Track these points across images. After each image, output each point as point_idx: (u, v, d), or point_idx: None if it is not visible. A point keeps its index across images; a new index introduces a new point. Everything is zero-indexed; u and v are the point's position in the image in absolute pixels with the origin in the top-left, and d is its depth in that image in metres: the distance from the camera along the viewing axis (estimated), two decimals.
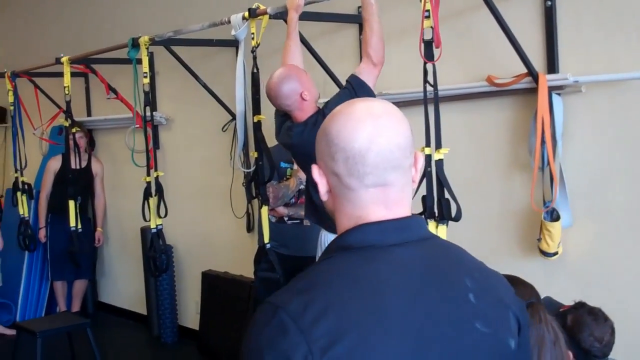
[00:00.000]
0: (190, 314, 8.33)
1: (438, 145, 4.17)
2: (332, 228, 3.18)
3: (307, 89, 4.51)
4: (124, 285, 9.55)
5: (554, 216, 4.73)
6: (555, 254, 4.78)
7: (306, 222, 5.78)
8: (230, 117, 7.15)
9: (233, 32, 5.30)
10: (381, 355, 1.55)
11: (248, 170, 6.27)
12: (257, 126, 5.24)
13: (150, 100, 6.48)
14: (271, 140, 5.24)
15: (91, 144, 9.34)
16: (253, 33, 5.15)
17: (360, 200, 1.74)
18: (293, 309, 1.58)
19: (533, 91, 4.80)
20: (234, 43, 6.49)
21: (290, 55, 4.77)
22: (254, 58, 5.13)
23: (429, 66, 4.19)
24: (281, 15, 5.06)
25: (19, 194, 8.63)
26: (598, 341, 3.04)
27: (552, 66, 4.82)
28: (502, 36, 4.70)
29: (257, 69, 5.17)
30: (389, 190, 1.73)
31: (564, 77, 4.67)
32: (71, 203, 7.58)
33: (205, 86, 7.19)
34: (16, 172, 8.65)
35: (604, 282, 4.72)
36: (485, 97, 5.22)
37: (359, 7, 5.43)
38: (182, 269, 8.40)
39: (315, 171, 1.79)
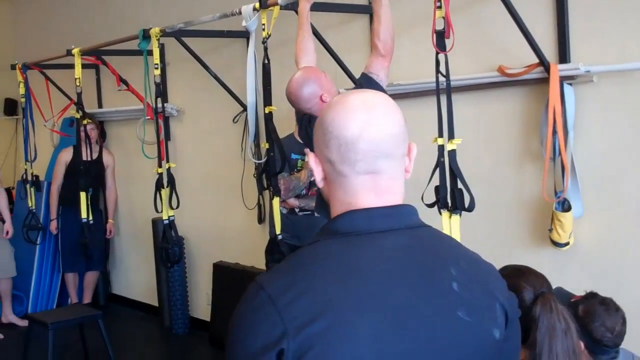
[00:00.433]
0: (201, 305, 8.35)
1: (451, 136, 4.16)
2: None
3: (326, 90, 4.48)
4: (135, 276, 9.57)
5: (565, 206, 4.73)
6: (567, 244, 4.78)
7: (317, 214, 5.78)
8: (241, 109, 7.15)
9: (244, 23, 5.30)
10: (355, 336, 1.60)
11: (259, 162, 6.28)
12: (269, 117, 5.23)
13: (161, 91, 6.47)
14: (282, 132, 5.24)
15: (102, 136, 9.38)
16: (264, 24, 5.14)
17: (352, 187, 1.78)
18: (274, 289, 1.66)
19: (544, 81, 4.79)
20: (244, 34, 6.47)
21: (303, 45, 4.75)
22: (265, 49, 5.11)
23: (441, 56, 4.18)
24: (292, 6, 5.04)
25: (27, 186, 8.65)
26: (609, 331, 3.04)
27: (563, 56, 4.81)
28: (514, 26, 4.69)
29: (268, 60, 5.16)
30: (380, 178, 1.77)
31: (576, 67, 4.67)
32: (82, 195, 7.58)
33: (216, 77, 7.19)
34: (25, 164, 8.67)
35: (615, 272, 4.71)
36: (497, 87, 5.22)
37: None
38: (193, 260, 8.42)
39: (312, 159, 1.84)
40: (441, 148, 4.17)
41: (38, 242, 8.95)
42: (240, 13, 5.36)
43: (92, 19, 9.60)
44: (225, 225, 7.95)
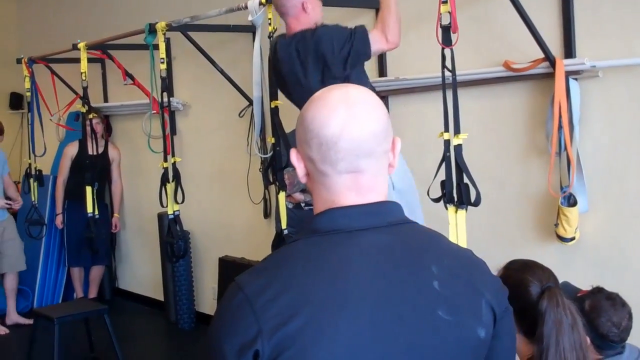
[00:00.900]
0: (207, 300, 8.35)
1: (457, 131, 4.17)
2: None
3: (312, 2, 4.51)
4: (141, 271, 9.58)
5: (571, 201, 4.73)
6: (573, 239, 4.78)
7: None
8: (247, 103, 7.15)
9: (250, 18, 5.31)
10: (331, 336, 1.59)
11: (265, 156, 6.28)
12: (275, 112, 5.24)
13: (167, 86, 6.48)
14: (288, 126, 5.24)
15: (108, 130, 9.38)
16: (270, 18, 5.16)
17: (334, 186, 1.76)
18: (251, 290, 1.66)
19: (550, 76, 4.79)
20: (250, 28, 6.50)
21: None
22: (271, 43, 5.12)
23: (447, 51, 4.19)
24: None
25: (31, 180, 8.67)
26: (616, 326, 3.04)
27: (569, 51, 4.81)
28: (519, 21, 4.69)
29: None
30: (362, 177, 1.75)
31: (581, 62, 4.66)
32: (88, 189, 7.61)
33: (222, 72, 7.19)
34: (30, 158, 8.69)
35: (621, 267, 4.71)
36: (502, 82, 5.22)
37: None
38: (199, 254, 8.42)
39: (294, 155, 1.82)
40: (447, 143, 4.19)
41: (43, 234, 8.95)
42: (246, 7, 5.37)
43: (98, 13, 9.60)
44: (231, 220, 7.96)
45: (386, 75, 5.77)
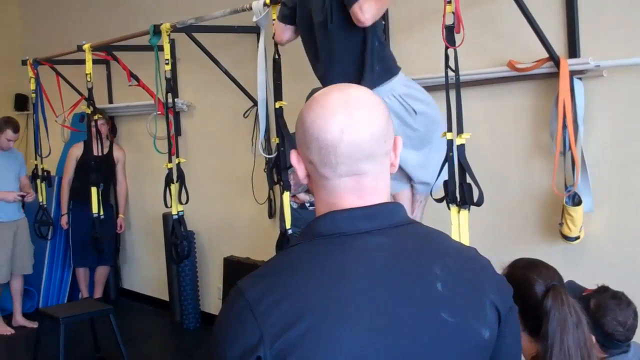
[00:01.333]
0: (212, 300, 8.37)
1: (460, 130, 4.16)
2: None
3: None
4: (146, 271, 9.60)
5: (575, 200, 4.73)
6: (577, 238, 4.78)
7: None
8: (252, 104, 7.16)
9: (254, 19, 5.31)
10: (334, 341, 1.58)
11: (270, 157, 6.28)
12: (279, 112, 5.25)
13: (172, 87, 6.50)
14: (293, 126, 5.24)
15: (113, 131, 9.41)
16: (274, 19, 5.16)
17: (334, 188, 1.75)
18: (253, 295, 1.64)
19: (554, 76, 4.79)
20: (255, 29, 6.51)
21: None
22: (275, 44, 5.13)
23: (451, 51, 4.19)
24: None
25: (38, 181, 8.68)
26: (621, 325, 3.04)
27: (573, 51, 4.81)
28: (523, 21, 4.69)
29: (279, 55, 5.18)
30: (363, 179, 1.74)
31: (585, 61, 4.66)
32: (93, 190, 7.63)
33: (226, 73, 7.20)
34: (36, 159, 8.69)
35: (626, 266, 4.71)
36: (507, 82, 5.22)
37: None
38: (204, 255, 8.44)
39: (294, 157, 1.81)
40: (450, 142, 4.18)
41: (49, 237, 8.96)
42: (250, 9, 5.38)
43: (103, 15, 9.62)
44: (235, 220, 7.97)
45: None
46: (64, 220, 9.11)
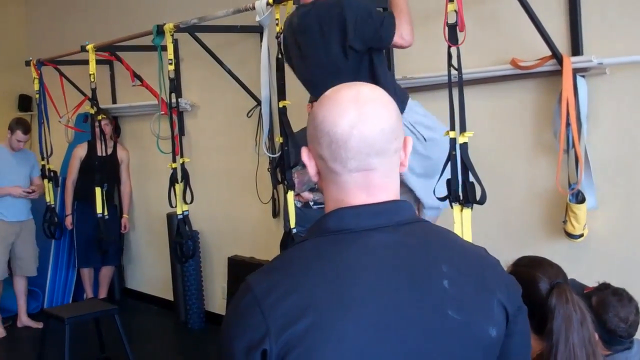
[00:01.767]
0: (217, 300, 8.38)
1: (462, 129, 4.16)
2: None
3: None
4: (150, 271, 9.61)
5: (579, 198, 4.73)
6: (581, 236, 4.79)
7: None
8: (255, 103, 7.17)
9: (257, 18, 5.32)
10: (338, 337, 1.59)
11: (273, 156, 6.29)
12: (283, 111, 5.25)
13: (175, 87, 6.50)
14: (296, 126, 5.26)
15: (116, 131, 9.42)
16: (277, 19, 5.17)
17: (344, 184, 1.76)
18: (260, 289, 1.67)
19: (557, 74, 4.79)
20: (258, 29, 6.51)
21: None
22: (279, 44, 5.13)
23: (453, 50, 4.19)
24: None
25: (45, 181, 8.69)
26: (623, 322, 3.04)
27: (576, 48, 4.81)
28: (526, 19, 4.69)
29: (282, 55, 5.17)
30: (372, 175, 1.75)
31: (588, 59, 4.66)
32: (97, 190, 7.65)
33: (230, 72, 7.21)
34: (42, 159, 8.71)
35: (630, 264, 4.71)
36: (510, 80, 5.22)
37: None
38: (208, 254, 8.44)
39: (305, 153, 1.83)
40: (453, 141, 4.18)
41: (57, 237, 8.97)
42: (253, 8, 5.38)
43: (106, 15, 9.63)
44: (239, 219, 7.97)
45: (393, 74, 5.77)
46: (68, 221, 9.13)
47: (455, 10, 4.11)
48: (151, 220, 9.36)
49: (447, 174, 4.19)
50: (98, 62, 7.82)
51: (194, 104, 8.30)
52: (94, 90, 7.55)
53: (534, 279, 2.74)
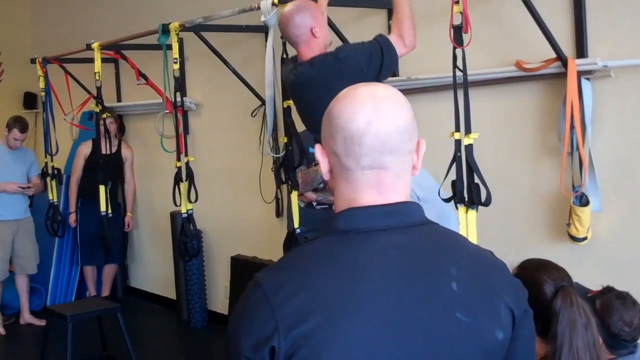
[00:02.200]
0: (219, 299, 8.38)
1: (468, 130, 4.17)
2: None
3: (319, 26, 4.39)
4: (153, 270, 9.61)
5: (583, 201, 4.73)
6: (585, 239, 4.78)
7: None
8: (260, 103, 7.17)
9: (263, 18, 5.31)
10: (346, 336, 1.59)
11: (277, 156, 6.29)
12: (287, 111, 5.26)
13: (180, 85, 6.52)
14: (300, 126, 5.26)
15: (121, 130, 9.42)
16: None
17: (356, 181, 1.76)
18: (269, 286, 1.67)
19: (562, 76, 4.79)
20: (263, 29, 6.51)
21: None
22: (284, 44, 5.14)
23: (459, 51, 4.19)
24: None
25: (48, 179, 8.70)
26: (627, 325, 3.04)
27: (581, 51, 4.81)
28: (531, 21, 4.69)
29: (287, 55, 5.18)
30: (384, 174, 1.76)
31: (593, 61, 4.66)
32: (101, 188, 7.65)
33: (234, 72, 7.21)
34: (46, 157, 8.71)
35: (634, 267, 4.71)
36: (514, 82, 5.22)
37: None
38: (211, 253, 8.45)
39: (318, 150, 1.83)
40: (458, 143, 4.19)
41: (60, 234, 8.96)
42: (259, 8, 5.38)
43: (112, 14, 9.64)
44: (243, 219, 7.97)
45: (398, 75, 5.77)
46: (72, 219, 9.13)
47: (460, 12, 4.12)
48: (155, 218, 9.37)
49: (451, 176, 4.19)
50: (103, 60, 7.83)
51: (199, 103, 8.31)
52: (99, 89, 7.56)
53: (539, 282, 2.74)
